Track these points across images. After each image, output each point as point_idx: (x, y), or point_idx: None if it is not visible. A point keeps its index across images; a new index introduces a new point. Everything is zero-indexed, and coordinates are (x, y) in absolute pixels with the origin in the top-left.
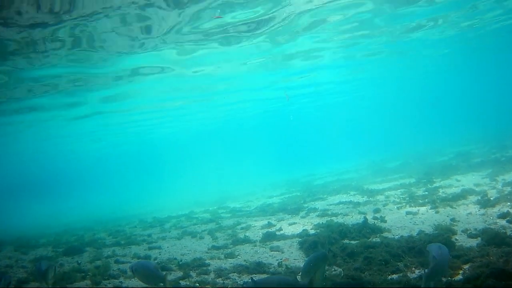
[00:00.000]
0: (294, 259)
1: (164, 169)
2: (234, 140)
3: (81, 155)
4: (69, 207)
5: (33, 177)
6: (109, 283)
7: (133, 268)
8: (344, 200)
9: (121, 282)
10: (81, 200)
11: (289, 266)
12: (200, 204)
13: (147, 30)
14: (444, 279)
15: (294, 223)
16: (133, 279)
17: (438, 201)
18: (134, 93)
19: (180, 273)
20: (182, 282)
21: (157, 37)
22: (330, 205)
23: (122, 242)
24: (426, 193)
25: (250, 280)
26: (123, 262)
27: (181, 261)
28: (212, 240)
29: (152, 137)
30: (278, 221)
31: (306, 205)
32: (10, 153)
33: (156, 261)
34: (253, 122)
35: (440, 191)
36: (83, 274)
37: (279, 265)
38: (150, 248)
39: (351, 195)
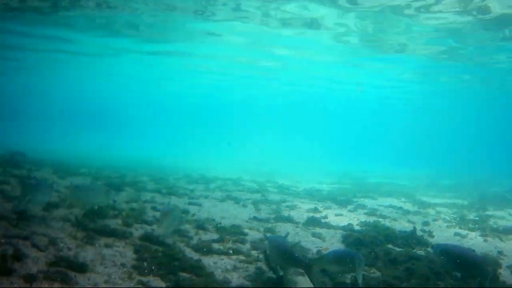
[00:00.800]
0: None
1: (223, 129)
2: (300, 119)
3: (145, 98)
4: (121, 146)
5: (88, 108)
6: (141, 227)
7: None
8: (394, 205)
9: (153, 229)
10: (134, 142)
11: None
12: (249, 172)
13: None
14: None
15: (341, 215)
16: None
17: (488, 229)
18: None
19: (215, 236)
20: (215, 245)
21: None
22: (380, 206)
23: (164, 191)
24: (477, 218)
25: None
26: (159, 211)
27: (219, 223)
28: (255, 211)
29: (223, 95)
30: (324, 209)
31: (355, 200)
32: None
33: (193, 218)
34: (321, 106)
35: (491, 220)
36: (116, 212)
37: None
38: (190, 203)
39: (402, 201)
